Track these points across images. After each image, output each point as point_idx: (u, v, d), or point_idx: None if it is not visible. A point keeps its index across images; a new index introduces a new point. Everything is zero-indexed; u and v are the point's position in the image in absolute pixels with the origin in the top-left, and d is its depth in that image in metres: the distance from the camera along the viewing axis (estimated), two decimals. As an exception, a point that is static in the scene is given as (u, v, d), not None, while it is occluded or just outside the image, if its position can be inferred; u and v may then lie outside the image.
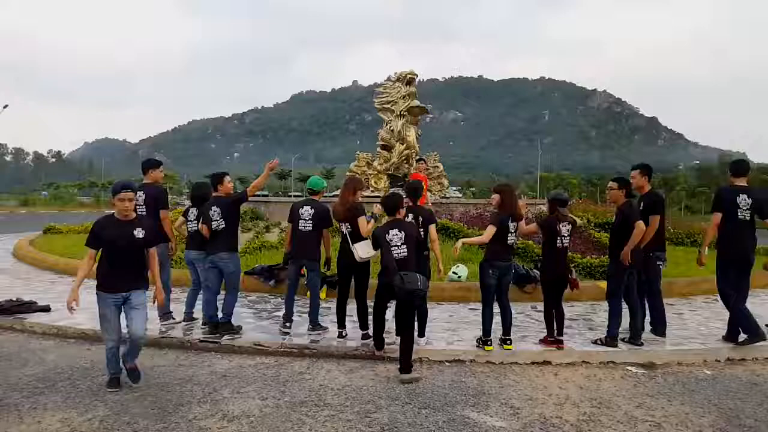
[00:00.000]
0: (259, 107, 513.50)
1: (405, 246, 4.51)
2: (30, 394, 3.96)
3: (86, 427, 3.44)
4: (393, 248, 4.50)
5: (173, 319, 5.99)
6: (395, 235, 4.53)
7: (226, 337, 5.37)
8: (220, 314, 5.59)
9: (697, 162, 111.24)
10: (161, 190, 6.05)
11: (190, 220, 5.96)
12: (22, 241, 13.06)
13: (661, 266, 5.49)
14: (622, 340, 5.33)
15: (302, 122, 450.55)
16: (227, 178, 5.70)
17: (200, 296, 5.88)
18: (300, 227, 5.58)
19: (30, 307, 6.35)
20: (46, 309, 6.37)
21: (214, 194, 5.72)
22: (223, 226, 5.46)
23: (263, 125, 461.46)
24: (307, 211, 5.56)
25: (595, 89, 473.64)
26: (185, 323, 5.95)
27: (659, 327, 5.64)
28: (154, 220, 5.74)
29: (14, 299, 6.51)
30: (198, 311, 5.96)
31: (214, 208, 5.50)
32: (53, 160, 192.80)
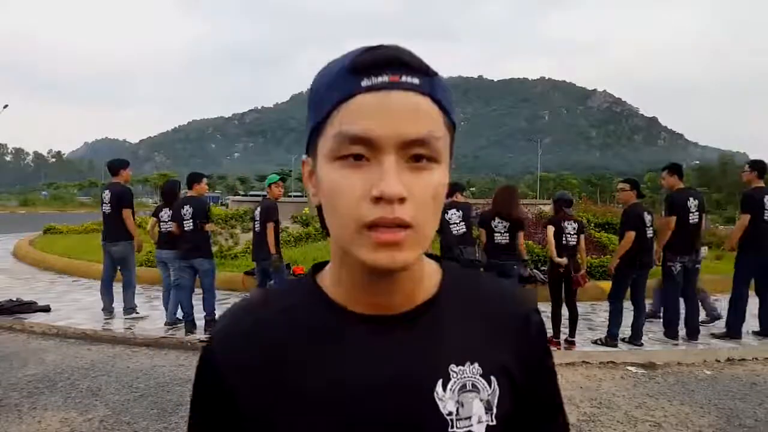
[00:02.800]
0: (259, 107, 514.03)
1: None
2: (30, 394, 3.96)
3: (86, 427, 3.44)
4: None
5: (137, 313, 5.99)
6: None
7: None
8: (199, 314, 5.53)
9: (697, 162, 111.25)
10: (127, 189, 6.14)
11: (164, 220, 5.80)
12: (22, 241, 13.03)
13: (672, 267, 5.46)
14: (623, 339, 5.33)
15: (302, 122, 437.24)
16: (205, 180, 5.88)
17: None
18: (255, 228, 5.68)
19: (30, 307, 6.35)
20: (46, 309, 6.37)
21: (188, 193, 5.74)
22: (192, 227, 5.41)
23: (263, 125, 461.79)
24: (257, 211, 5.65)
25: (595, 89, 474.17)
26: (168, 326, 5.75)
27: (668, 328, 5.56)
28: (119, 217, 5.87)
29: (14, 299, 6.50)
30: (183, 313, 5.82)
31: (186, 207, 5.47)
32: (53, 160, 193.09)
